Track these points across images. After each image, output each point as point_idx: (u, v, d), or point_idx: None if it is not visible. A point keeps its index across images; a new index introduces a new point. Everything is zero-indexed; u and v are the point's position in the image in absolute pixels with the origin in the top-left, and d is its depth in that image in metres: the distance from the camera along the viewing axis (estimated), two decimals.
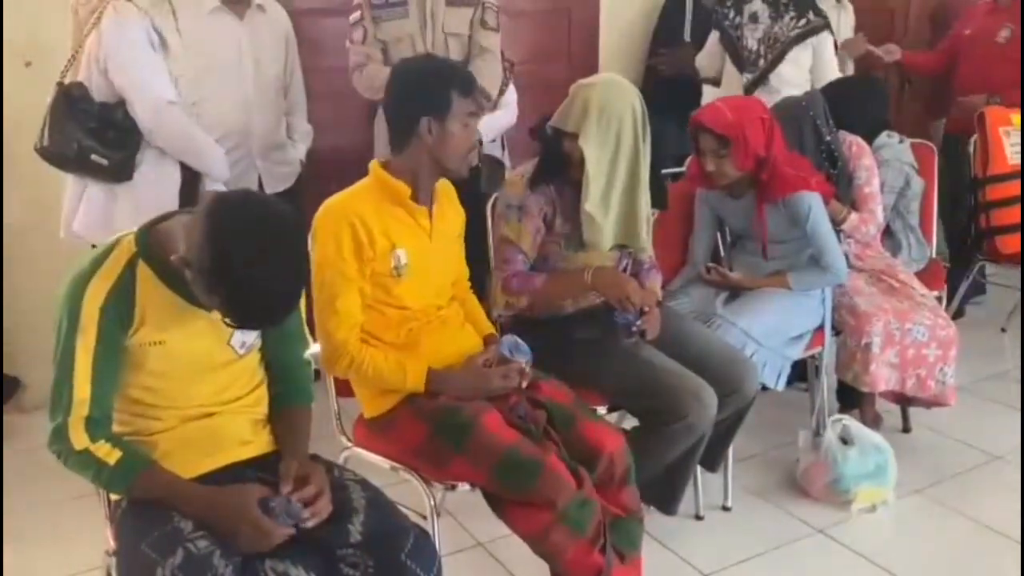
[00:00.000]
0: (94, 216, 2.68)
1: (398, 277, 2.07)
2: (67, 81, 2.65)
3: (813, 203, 2.78)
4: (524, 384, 2.12)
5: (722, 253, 3.08)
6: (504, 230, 2.37)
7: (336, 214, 2.05)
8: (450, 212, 2.23)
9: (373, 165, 2.13)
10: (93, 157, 2.60)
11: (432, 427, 2.04)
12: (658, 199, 2.49)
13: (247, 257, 1.48)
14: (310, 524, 1.62)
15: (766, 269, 2.90)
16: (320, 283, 2.04)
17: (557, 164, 2.35)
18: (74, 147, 2.59)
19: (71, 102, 2.61)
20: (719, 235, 3.11)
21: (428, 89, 2.06)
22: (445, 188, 2.22)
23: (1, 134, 3.15)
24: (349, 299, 2.04)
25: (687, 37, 4.19)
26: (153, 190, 2.67)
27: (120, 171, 2.66)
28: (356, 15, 3.08)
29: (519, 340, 2.16)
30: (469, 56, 3.11)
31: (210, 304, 1.57)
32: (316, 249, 2.04)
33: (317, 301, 2.06)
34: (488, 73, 3.07)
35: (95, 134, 2.61)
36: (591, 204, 2.32)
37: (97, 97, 2.64)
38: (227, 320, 1.57)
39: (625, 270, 2.52)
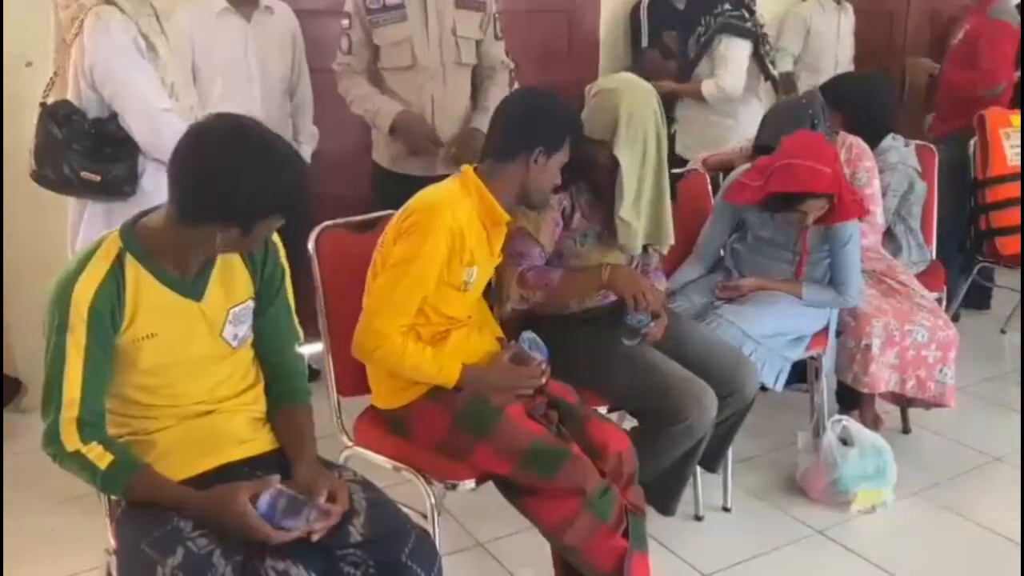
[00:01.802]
0: (96, 235, 2.59)
1: (465, 292, 2.12)
2: (50, 100, 2.49)
3: (855, 232, 2.78)
4: (544, 381, 2.15)
5: (722, 252, 3.07)
6: (522, 222, 2.36)
7: (444, 221, 2.04)
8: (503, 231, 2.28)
9: (471, 174, 2.14)
10: (84, 174, 2.44)
11: (455, 417, 2.07)
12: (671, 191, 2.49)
13: (234, 151, 1.56)
14: (315, 538, 1.61)
15: (773, 270, 2.89)
16: (395, 274, 2.04)
17: (580, 168, 2.35)
18: (64, 169, 2.44)
19: (57, 122, 2.44)
20: None
21: (553, 123, 2.15)
22: None
23: (1, 136, 3.16)
24: (412, 297, 2.05)
25: (644, 43, 4.22)
26: (156, 203, 2.55)
27: (119, 187, 2.48)
28: (345, 23, 3.07)
29: (537, 337, 2.20)
30: (481, 66, 3.12)
31: (237, 222, 1.59)
32: (411, 240, 2.04)
33: (380, 285, 2.07)
34: (504, 92, 3.10)
35: (89, 152, 2.44)
36: (626, 210, 2.32)
37: (91, 113, 2.46)
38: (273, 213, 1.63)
39: (635, 268, 2.52)
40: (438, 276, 2.05)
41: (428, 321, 2.12)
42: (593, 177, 2.37)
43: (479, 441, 2.03)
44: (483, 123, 2.87)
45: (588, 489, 1.96)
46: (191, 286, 1.69)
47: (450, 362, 2.08)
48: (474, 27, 3.06)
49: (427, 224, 2.04)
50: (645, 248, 2.48)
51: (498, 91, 3.08)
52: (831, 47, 4.78)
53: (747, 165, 2.91)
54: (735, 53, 3.82)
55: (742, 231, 3.00)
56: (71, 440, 1.59)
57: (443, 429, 2.08)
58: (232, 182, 1.56)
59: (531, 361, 2.15)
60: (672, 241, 2.48)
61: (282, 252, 1.83)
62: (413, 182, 2.57)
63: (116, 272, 1.62)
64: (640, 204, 2.36)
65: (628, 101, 2.30)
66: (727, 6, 3.81)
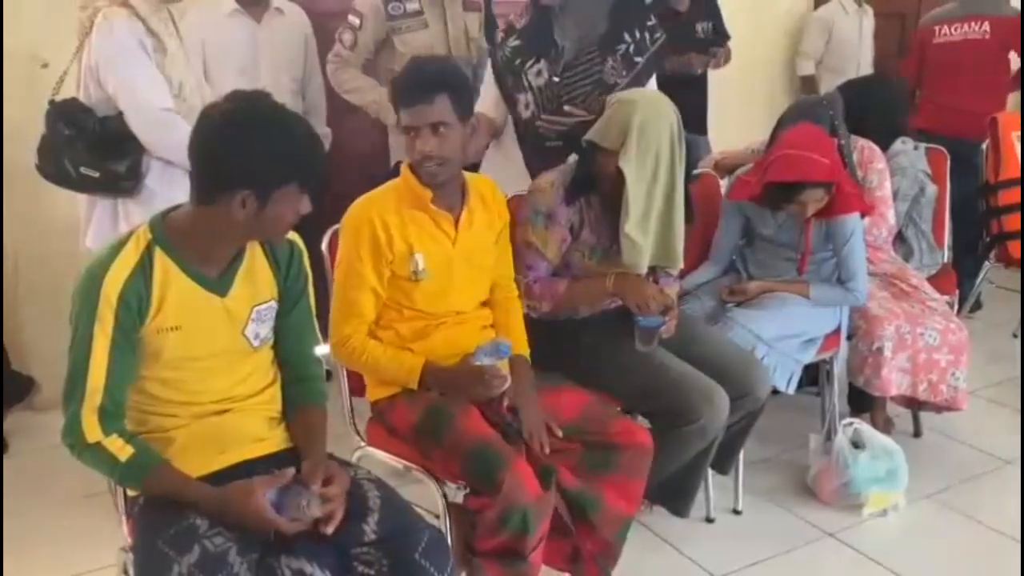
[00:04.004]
0: (105, 231, 2.59)
1: (416, 281, 2.11)
2: (58, 98, 2.52)
3: (857, 227, 2.78)
4: (503, 387, 2.08)
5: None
6: (529, 235, 2.37)
7: (358, 213, 2.10)
8: (484, 216, 2.23)
9: (403, 165, 2.16)
10: (82, 170, 2.48)
11: (418, 418, 2.09)
12: (687, 213, 2.43)
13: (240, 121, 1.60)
14: (329, 528, 1.62)
15: (777, 269, 2.89)
16: (338, 277, 2.12)
17: (591, 177, 2.35)
18: (64, 164, 2.48)
19: (64, 119, 2.48)
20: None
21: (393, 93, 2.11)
22: (483, 190, 2.25)
23: (1, 136, 3.18)
24: (360, 297, 2.10)
25: None
26: (162, 200, 2.56)
27: (117, 183, 2.51)
28: (356, 21, 3.09)
29: (497, 342, 2.13)
30: (478, 65, 3.16)
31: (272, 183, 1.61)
32: (340, 245, 2.12)
33: (334, 293, 2.14)
34: (489, 78, 3.11)
35: (92, 149, 2.47)
36: (631, 226, 2.28)
37: (100, 111, 2.49)
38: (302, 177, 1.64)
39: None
40: (375, 271, 2.08)
41: (402, 316, 2.15)
42: (603, 189, 2.35)
43: (435, 445, 2.05)
44: (485, 107, 2.90)
45: (511, 502, 1.91)
46: (217, 281, 1.71)
47: (412, 362, 2.10)
48: (476, 26, 3.14)
49: (347, 224, 2.11)
50: (653, 268, 2.44)
51: (485, 71, 3.10)
52: (854, 50, 4.79)
53: (751, 164, 2.91)
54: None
55: (749, 231, 3.00)
56: (92, 431, 1.60)
57: (411, 427, 2.11)
58: (244, 143, 1.58)
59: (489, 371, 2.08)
60: (680, 265, 2.45)
61: (306, 256, 1.85)
62: None
63: (145, 263, 1.63)
64: (648, 222, 2.31)
65: (643, 113, 2.26)
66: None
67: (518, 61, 2.69)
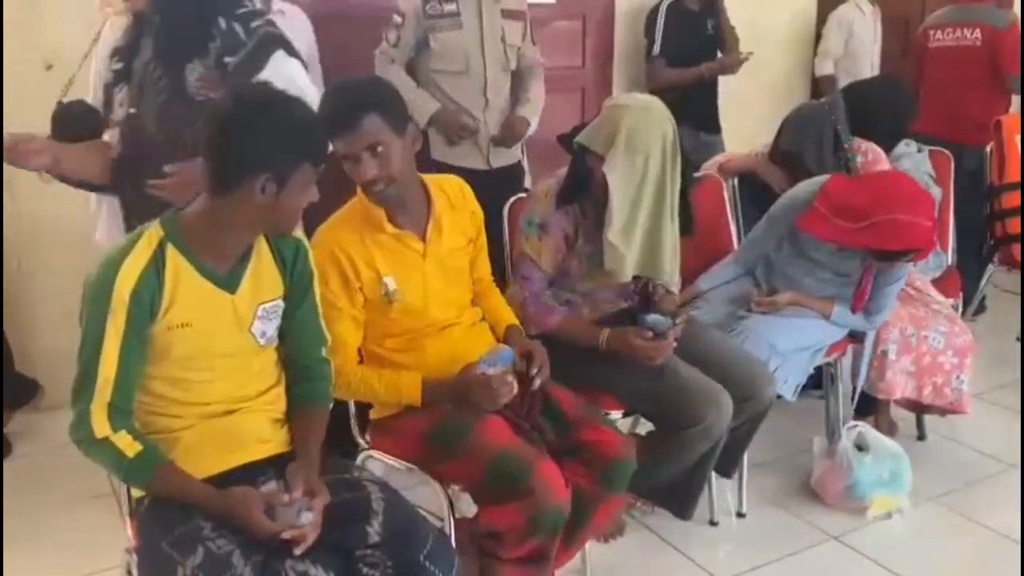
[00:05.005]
0: (112, 227, 2.62)
1: (390, 303, 2.07)
2: (66, 99, 2.57)
3: (906, 272, 2.79)
4: (512, 393, 2.04)
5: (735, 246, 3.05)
6: (524, 246, 2.35)
7: (321, 247, 2.00)
8: (452, 218, 2.15)
9: (359, 188, 2.07)
10: None
11: (429, 432, 2.05)
12: (685, 225, 2.40)
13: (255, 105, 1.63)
14: (287, 535, 1.61)
15: (805, 285, 2.83)
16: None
17: (583, 181, 2.32)
18: None
19: (71, 119, 2.52)
20: (740, 218, 3.13)
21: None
22: (449, 191, 2.17)
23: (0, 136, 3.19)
24: (340, 327, 2.03)
25: (656, 51, 4.22)
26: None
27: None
28: (397, 19, 3.18)
29: (498, 350, 2.10)
30: (519, 65, 3.29)
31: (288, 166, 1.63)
32: None
33: None
34: (541, 91, 3.33)
35: None
36: (613, 233, 2.25)
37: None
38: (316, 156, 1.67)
39: (645, 288, 2.51)
40: (350, 301, 2.04)
41: (389, 333, 2.12)
42: (595, 195, 2.31)
43: (448, 456, 2.02)
44: (527, 112, 3.21)
45: (540, 509, 1.90)
46: (227, 278, 1.71)
47: (409, 382, 2.06)
48: (517, 35, 3.24)
49: (315, 259, 1.95)
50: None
51: (538, 85, 3.31)
52: (868, 50, 4.80)
53: (816, 180, 2.77)
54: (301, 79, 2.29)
55: (785, 242, 2.90)
56: (101, 426, 1.61)
57: (419, 441, 2.07)
58: (258, 127, 1.60)
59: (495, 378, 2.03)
60: (668, 278, 2.40)
61: (311, 254, 1.85)
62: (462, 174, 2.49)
63: (157, 260, 1.64)
64: (633, 230, 2.27)
65: (634, 119, 2.22)
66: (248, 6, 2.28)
67: (114, 86, 2.23)
